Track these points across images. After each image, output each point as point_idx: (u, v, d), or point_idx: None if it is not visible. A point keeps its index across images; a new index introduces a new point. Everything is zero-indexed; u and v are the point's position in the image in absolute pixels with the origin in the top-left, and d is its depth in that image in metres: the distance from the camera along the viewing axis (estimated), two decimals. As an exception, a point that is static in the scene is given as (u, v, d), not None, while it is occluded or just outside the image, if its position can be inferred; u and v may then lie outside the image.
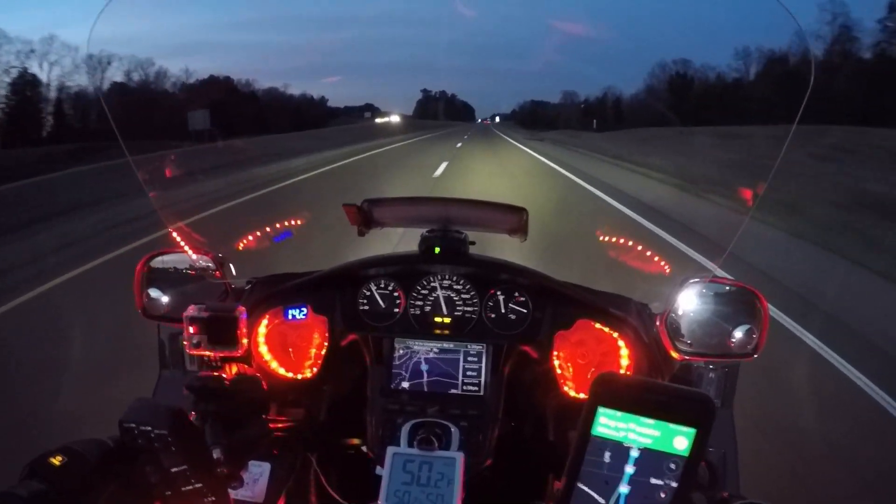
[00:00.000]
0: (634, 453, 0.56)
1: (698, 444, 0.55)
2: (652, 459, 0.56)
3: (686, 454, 0.55)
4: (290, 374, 1.21)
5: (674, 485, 0.56)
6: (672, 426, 0.55)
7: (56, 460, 0.68)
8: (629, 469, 0.56)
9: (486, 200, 1.22)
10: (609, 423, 0.56)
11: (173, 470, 0.76)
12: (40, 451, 0.69)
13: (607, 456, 0.56)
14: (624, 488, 0.56)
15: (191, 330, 1.02)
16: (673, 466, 0.55)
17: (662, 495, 0.56)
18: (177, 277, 1.22)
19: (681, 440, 0.55)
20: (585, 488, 0.57)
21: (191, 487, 0.78)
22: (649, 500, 0.56)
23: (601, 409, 0.55)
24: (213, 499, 0.80)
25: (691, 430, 0.55)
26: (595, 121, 43.06)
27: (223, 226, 6.93)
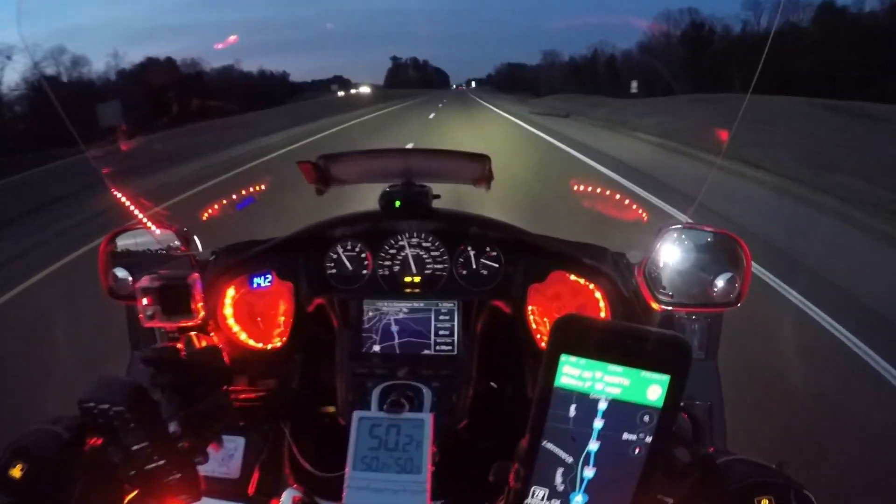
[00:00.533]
0: (602, 405, 0.51)
1: (673, 393, 0.50)
2: (623, 411, 0.51)
3: (660, 405, 0.50)
4: (259, 345, 1.18)
5: (648, 439, 0.51)
6: (644, 373, 0.50)
7: (16, 472, 0.63)
8: (598, 423, 0.51)
9: (447, 150, 1.16)
10: (573, 373, 0.50)
11: (134, 448, 0.71)
12: None
13: (573, 409, 0.51)
14: (593, 445, 0.52)
15: (144, 301, 0.98)
16: (647, 419, 0.51)
17: (637, 451, 0.51)
18: (143, 255, 1.17)
19: (654, 389, 0.50)
20: (551, 446, 0.52)
21: (154, 465, 0.74)
22: (622, 457, 0.52)
23: (564, 357, 0.50)
24: (179, 475, 0.75)
25: (665, 378, 0.50)
26: (636, 82, 29.24)
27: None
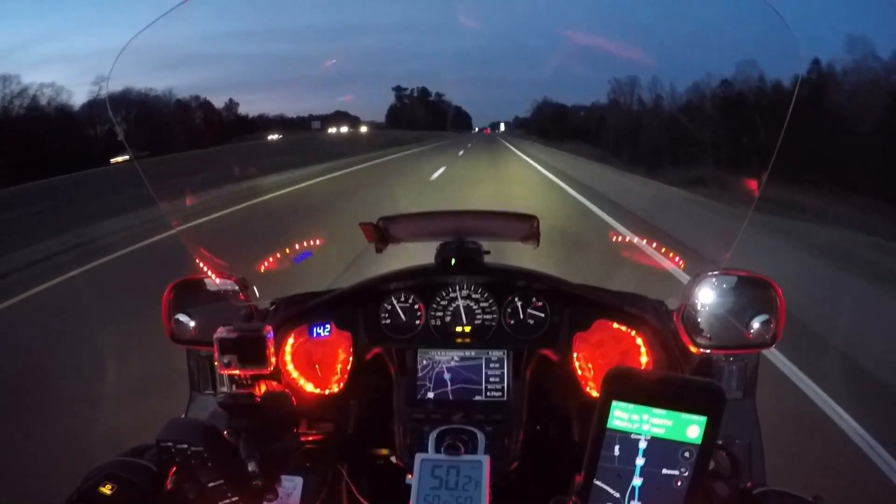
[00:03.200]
0: (643, 444, 0.58)
1: (710, 432, 0.57)
2: (664, 449, 0.58)
3: (699, 441, 0.57)
4: (317, 390, 1.24)
5: (688, 473, 0.57)
6: (683, 415, 0.57)
7: (106, 489, 0.72)
8: (639, 461, 0.58)
9: (498, 210, 1.25)
10: (623, 416, 0.58)
11: (210, 485, 0.80)
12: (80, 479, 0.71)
13: (616, 449, 0.58)
14: (637, 481, 0.58)
15: (221, 350, 1.06)
16: (687, 455, 0.57)
17: (678, 484, 0.58)
18: (202, 302, 1.26)
19: (693, 429, 0.57)
20: (601, 484, 0.59)
21: (228, 502, 0.82)
22: (664, 491, 0.58)
23: (615, 403, 0.58)
24: None
25: (702, 419, 0.56)
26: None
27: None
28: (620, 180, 12.38)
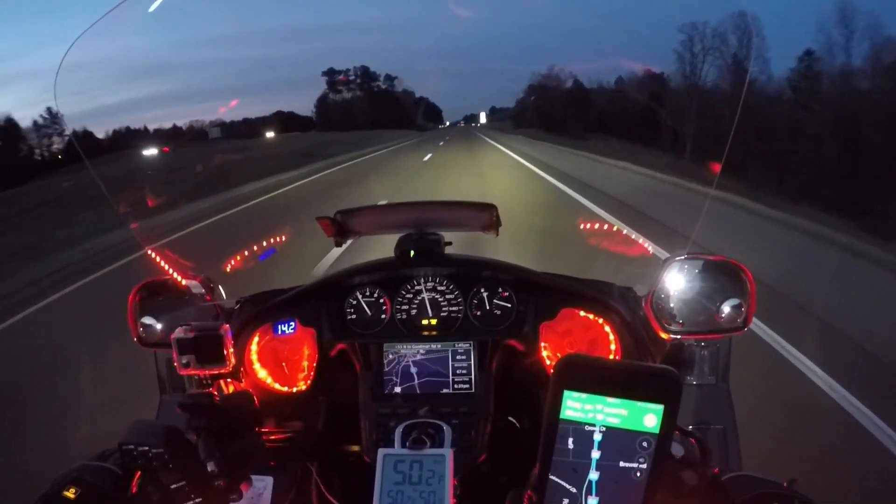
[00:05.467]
0: (598, 436, 0.55)
1: (668, 420, 0.54)
2: (620, 439, 0.55)
3: (657, 431, 0.55)
4: (284, 388, 1.23)
5: (647, 464, 0.55)
6: (639, 404, 0.54)
7: (70, 493, 0.70)
8: (595, 454, 0.56)
9: (456, 200, 1.23)
10: (576, 406, 0.55)
11: (173, 486, 0.78)
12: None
13: (570, 442, 0.56)
14: (593, 475, 0.56)
15: (179, 351, 1.04)
16: (645, 444, 0.55)
17: (637, 475, 0.56)
18: (169, 304, 1.24)
19: (650, 417, 0.55)
20: (557, 479, 0.57)
21: (191, 503, 0.79)
22: (622, 485, 0.56)
23: (567, 393, 0.55)
24: None
25: (659, 407, 0.54)
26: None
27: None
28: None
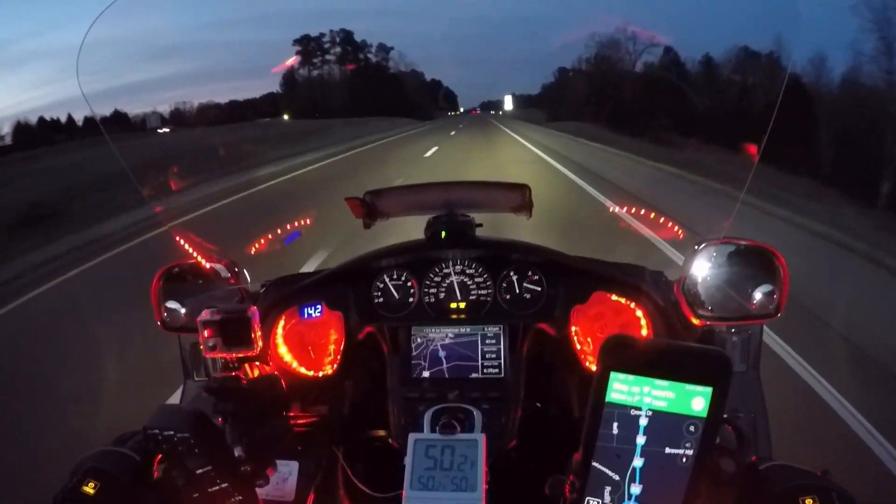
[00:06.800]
0: (643, 421, 0.54)
1: (716, 404, 0.53)
2: (666, 423, 0.53)
3: (704, 415, 0.53)
4: (311, 373, 1.22)
5: (693, 450, 0.54)
6: (688, 387, 0.53)
7: (89, 488, 0.69)
8: (640, 439, 0.54)
9: (488, 181, 1.21)
10: (622, 389, 0.54)
11: (198, 471, 0.77)
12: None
13: (615, 427, 0.54)
14: (637, 461, 0.54)
15: (205, 333, 1.03)
16: (692, 429, 0.53)
17: (683, 461, 0.54)
18: (193, 288, 1.23)
19: (698, 401, 0.53)
20: (600, 466, 0.55)
21: (217, 488, 0.79)
22: (667, 471, 0.54)
23: (613, 374, 0.54)
24: (240, 498, 0.81)
25: (708, 390, 0.52)
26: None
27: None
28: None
